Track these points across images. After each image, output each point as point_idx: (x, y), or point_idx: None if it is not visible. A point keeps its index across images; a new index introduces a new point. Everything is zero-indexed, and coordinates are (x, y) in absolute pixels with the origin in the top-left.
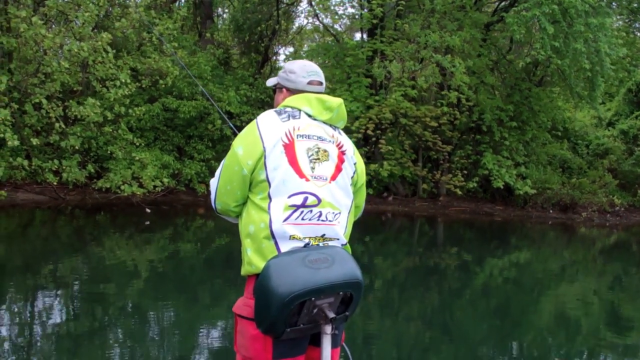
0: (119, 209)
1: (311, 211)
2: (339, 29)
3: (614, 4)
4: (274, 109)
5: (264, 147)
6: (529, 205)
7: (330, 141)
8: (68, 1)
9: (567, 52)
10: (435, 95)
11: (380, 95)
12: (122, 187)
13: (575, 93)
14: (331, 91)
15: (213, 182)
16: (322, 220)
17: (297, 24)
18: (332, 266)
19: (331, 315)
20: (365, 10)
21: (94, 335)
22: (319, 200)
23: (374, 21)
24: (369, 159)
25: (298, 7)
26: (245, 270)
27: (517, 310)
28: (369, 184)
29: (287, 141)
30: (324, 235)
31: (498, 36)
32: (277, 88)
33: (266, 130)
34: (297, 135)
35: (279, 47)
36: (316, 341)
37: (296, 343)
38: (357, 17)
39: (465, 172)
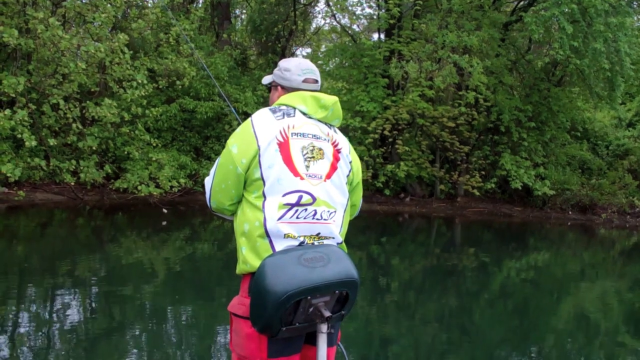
0: (136, 209)
1: (306, 210)
2: (357, 29)
3: (634, 3)
4: (269, 107)
5: (258, 146)
6: (548, 206)
7: (325, 139)
8: (86, 2)
9: (587, 51)
10: (452, 95)
11: (397, 95)
12: (139, 188)
13: (594, 93)
14: (348, 91)
15: (208, 181)
16: (317, 219)
17: (314, 25)
18: (327, 265)
19: (327, 314)
20: (383, 10)
21: (112, 335)
22: (314, 199)
23: (391, 21)
24: (385, 159)
25: (315, 8)
26: (240, 268)
27: (536, 313)
28: (385, 184)
29: (281, 139)
30: (318, 233)
31: (517, 36)
32: (272, 86)
33: (260, 128)
34: (292, 134)
35: (296, 47)
36: (312, 340)
37: (291, 342)
38: (374, 17)
39: (483, 172)
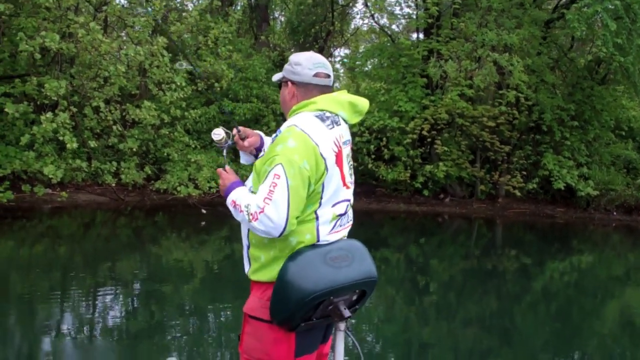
0: (176, 209)
1: (344, 216)
2: (395, 29)
3: None
4: (314, 114)
5: (324, 159)
6: (592, 207)
7: (350, 141)
8: (126, 7)
9: (631, 48)
10: (493, 94)
11: (436, 95)
12: (179, 189)
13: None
14: (386, 91)
15: (274, 210)
16: (347, 222)
17: (353, 25)
18: (352, 264)
19: (347, 314)
20: (421, 10)
21: (151, 333)
22: (350, 205)
23: (430, 20)
24: (424, 160)
25: (353, 8)
26: (269, 276)
27: (579, 317)
28: (424, 185)
29: (337, 150)
30: (344, 235)
31: (559, 33)
32: (282, 82)
33: (320, 140)
34: (342, 143)
35: (334, 48)
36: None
37: (314, 338)
38: (412, 16)
39: (525, 173)
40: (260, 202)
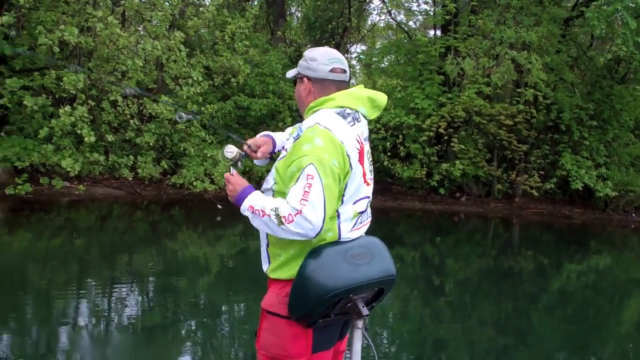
0: (192, 204)
1: (365, 213)
2: (413, 25)
3: None
4: (335, 111)
5: (349, 158)
6: (610, 208)
7: (368, 136)
8: (144, 1)
9: None
10: (510, 92)
11: (453, 92)
12: (195, 184)
13: None
14: (403, 88)
15: (312, 211)
16: (367, 219)
17: (369, 21)
18: (371, 262)
19: (365, 312)
20: (439, 6)
21: (166, 327)
22: (369, 201)
23: (448, 17)
24: (440, 158)
25: (370, 4)
26: (289, 274)
27: (597, 318)
28: (440, 183)
29: (359, 147)
30: (364, 232)
31: (578, 32)
32: (297, 79)
33: (344, 138)
34: (363, 140)
35: (351, 44)
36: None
37: (331, 334)
38: (430, 13)
39: (542, 172)
40: (296, 204)
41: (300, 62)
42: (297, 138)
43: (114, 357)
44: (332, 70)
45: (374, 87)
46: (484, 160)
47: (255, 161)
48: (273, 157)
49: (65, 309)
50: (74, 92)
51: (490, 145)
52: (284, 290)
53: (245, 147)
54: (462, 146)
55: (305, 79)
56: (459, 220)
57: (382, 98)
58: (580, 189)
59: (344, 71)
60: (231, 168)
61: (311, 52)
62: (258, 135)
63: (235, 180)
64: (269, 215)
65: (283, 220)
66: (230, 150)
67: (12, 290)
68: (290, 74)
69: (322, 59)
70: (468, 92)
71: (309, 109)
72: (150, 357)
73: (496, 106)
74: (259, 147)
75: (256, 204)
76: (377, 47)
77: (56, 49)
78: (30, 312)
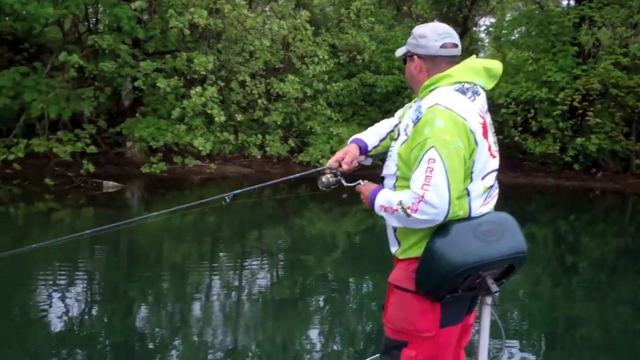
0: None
1: (493, 187)
2: None
3: None
4: (454, 88)
5: (474, 134)
6: None
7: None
8: None
9: None
10: None
11: (588, 64)
12: (321, 161)
13: None
14: (534, 61)
15: (435, 194)
16: (495, 191)
17: None
18: (502, 238)
19: (494, 289)
20: None
21: (294, 302)
22: (496, 174)
23: None
24: (575, 132)
25: None
26: (419, 252)
27: None
28: (574, 159)
29: (482, 121)
30: (493, 205)
31: None
32: (407, 57)
33: (467, 115)
34: (484, 112)
35: (479, 17)
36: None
37: (459, 311)
38: None
39: None
40: (418, 190)
41: (409, 40)
42: (416, 120)
43: (246, 329)
44: (443, 46)
45: (503, 60)
46: (621, 134)
47: (361, 162)
48: (369, 154)
49: (197, 284)
50: (204, 73)
51: (629, 119)
52: (411, 266)
53: (327, 172)
54: (598, 120)
55: (415, 57)
56: (594, 196)
57: (497, 66)
58: None
59: (456, 45)
60: (360, 181)
61: (420, 29)
62: (348, 141)
63: (365, 188)
64: (397, 210)
65: (409, 211)
66: (321, 181)
67: (149, 266)
68: (400, 52)
69: (432, 35)
70: (604, 63)
71: (423, 87)
72: (280, 329)
73: (635, 77)
74: (341, 161)
75: (385, 202)
76: (507, 19)
77: (187, 32)
78: (166, 286)
